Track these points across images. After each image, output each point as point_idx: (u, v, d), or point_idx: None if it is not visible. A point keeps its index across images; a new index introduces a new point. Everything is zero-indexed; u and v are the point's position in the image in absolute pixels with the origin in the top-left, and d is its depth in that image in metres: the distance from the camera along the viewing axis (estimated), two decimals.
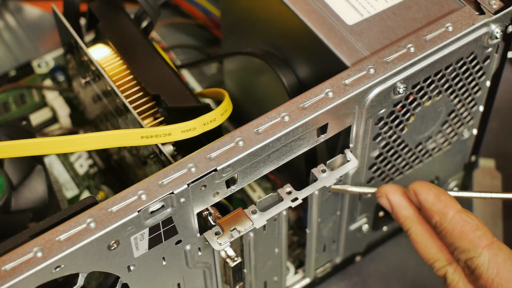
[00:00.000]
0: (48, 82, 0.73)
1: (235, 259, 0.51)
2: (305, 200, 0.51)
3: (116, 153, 0.64)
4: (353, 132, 0.51)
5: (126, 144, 0.48)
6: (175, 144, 0.51)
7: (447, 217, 0.51)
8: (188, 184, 0.44)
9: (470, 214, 0.51)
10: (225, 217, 0.48)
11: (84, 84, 0.61)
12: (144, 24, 0.61)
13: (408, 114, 0.53)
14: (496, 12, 0.51)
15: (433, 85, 0.52)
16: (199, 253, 0.50)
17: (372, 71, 0.48)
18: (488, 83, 0.56)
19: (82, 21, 0.61)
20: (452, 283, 0.52)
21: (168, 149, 0.51)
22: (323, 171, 0.51)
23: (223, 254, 0.51)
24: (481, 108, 0.58)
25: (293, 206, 0.49)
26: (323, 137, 0.49)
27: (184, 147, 0.51)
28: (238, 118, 0.56)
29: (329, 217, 0.57)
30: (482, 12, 0.51)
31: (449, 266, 0.52)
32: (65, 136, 0.47)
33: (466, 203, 0.67)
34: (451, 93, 0.54)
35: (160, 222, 0.45)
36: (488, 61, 0.54)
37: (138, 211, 0.43)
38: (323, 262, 0.61)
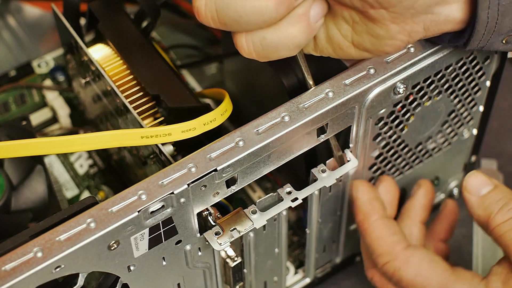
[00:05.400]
0: (48, 82, 0.73)
1: (235, 259, 0.51)
2: (305, 200, 0.51)
3: (116, 153, 0.64)
4: (353, 132, 0.51)
5: (126, 144, 0.48)
6: (175, 144, 0.51)
7: (370, 220, 0.53)
8: (188, 184, 0.44)
9: (392, 221, 0.53)
10: (225, 217, 0.48)
11: (84, 84, 0.61)
12: (144, 24, 0.61)
13: (408, 114, 0.53)
14: None
15: (433, 85, 0.52)
16: (199, 253, 0.50)
17: (372, 71, 0.48)
18: (488, 83, 0.56)
19: (82, 21, 0.61)
20: None
21: (168, 149, 0.51)
22: (323, 171, 0.51)
23: (223, 254, 0.51)
24: (481, 108, 0.58)
25: (293, 206, 0.49)
26: (323, 137, 0.49)
27: (184, 147, 0.51)
28: (238, 118, 0.56)
29: (329, 217, 0.57)
30: None
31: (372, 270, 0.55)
32: (65, 136, 0.47)
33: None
34: (451, 93, 0.54)
35: (160, 222, 0.45)
36: (488, 61, 0.54)
37: (138, 211, 0.43)
38: (323, 262, 0.61)
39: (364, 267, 0.57)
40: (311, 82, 0.48)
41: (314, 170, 0.51)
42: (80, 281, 0.44)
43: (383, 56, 0.49)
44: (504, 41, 0.46)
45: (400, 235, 0.53)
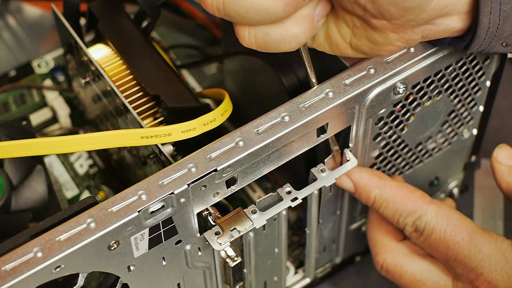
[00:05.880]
0: (48, 82, 0.73)
1: (235, 259, 0.51)
2: (305, 200, 0.51)
3: (116, 153, 0.64)
4: (353, 132, 0.51)
5: (126, 144, 0.48)
6: (175, 144, 0.51)
7: (386, 186, 0.53)
8: (188, 184, 0.44)
9: (403, 181, 0.54)
10: (225, 217, 0.48)
11: (84, 84, 0.61)
12: (144, 24, 0.61)
13: (408, 114, 0.53)
14: None
15: (433, 85, 0.52)
16: (199, 253, 0.50)
17: (372, 71, 0.48)
18: (488, 83, 0.56)
19: (82, 21, 0.61)
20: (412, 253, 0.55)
21: (168, 149, 0.51)
22: (323, 170, 0.51)
23: (223, 254, 0.51)
24: (481, 108, 0.58)
25: (292, 206, 0.49)
26: (323, 137, 0.49)
27: (184, 147, 0.51)
28: (238, 118, 0.56)
29: (329, 217, 0.57)
30: None
31: (388, 253, 0.55)
32: (65, 136, 0.47)
33: (466, 203, 0.67)
34: (451, 93, 0.54)
35: (160, 222, 0.45)
36: (488, 61, 0.54)
37: (138, 211, 0.43)
38: (323, 262, 0.61)
39: (373, 255, 0.55)
40: (313, 80, 0.48)
41: (313, 170, 0.51)
42: (80, 281, 0.44)
43: (383, 56, 0.49)
44: (504, 44, 0.47)
45: (419, 190, 0.53)
